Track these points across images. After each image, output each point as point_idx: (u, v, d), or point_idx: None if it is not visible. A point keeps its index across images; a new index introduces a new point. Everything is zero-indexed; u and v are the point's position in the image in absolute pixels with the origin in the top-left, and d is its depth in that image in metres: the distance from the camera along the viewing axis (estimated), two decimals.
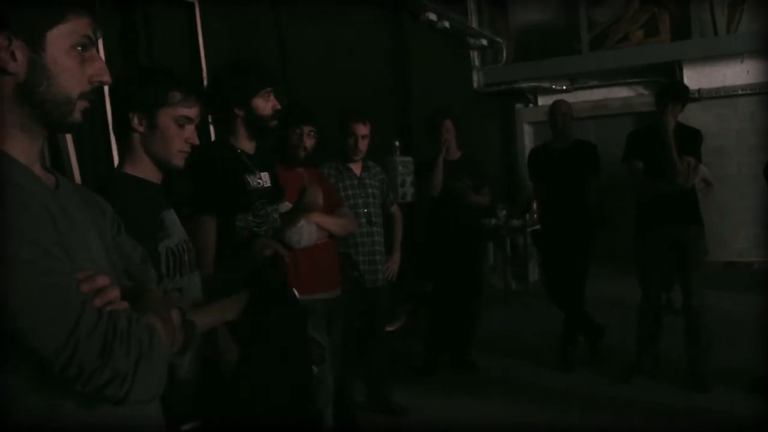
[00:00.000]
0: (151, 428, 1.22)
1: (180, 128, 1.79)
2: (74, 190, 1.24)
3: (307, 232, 3.03)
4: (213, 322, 1.76)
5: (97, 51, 1.17)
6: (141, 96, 1.77)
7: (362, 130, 3.58)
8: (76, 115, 1.13)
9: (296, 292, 2.55)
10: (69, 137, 3.01)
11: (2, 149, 1.07)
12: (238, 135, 2.44)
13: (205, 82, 3.55)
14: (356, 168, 3.66)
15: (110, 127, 1.92)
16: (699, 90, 7.51)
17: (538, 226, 5.49)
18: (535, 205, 6.58)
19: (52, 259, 1.00)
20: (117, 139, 1.86)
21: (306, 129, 3.07)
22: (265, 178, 2.47)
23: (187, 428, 1.83)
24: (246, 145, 2.45)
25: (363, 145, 3.59)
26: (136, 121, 1.77)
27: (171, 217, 1.82)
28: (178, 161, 1.83)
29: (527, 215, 6.92)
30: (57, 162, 3.01)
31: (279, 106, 2.45)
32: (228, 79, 2.42)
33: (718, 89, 7.68)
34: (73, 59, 1.11)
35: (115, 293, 1.07)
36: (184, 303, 1.42)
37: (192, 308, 1.76)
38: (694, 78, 7.50)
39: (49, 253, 0.99)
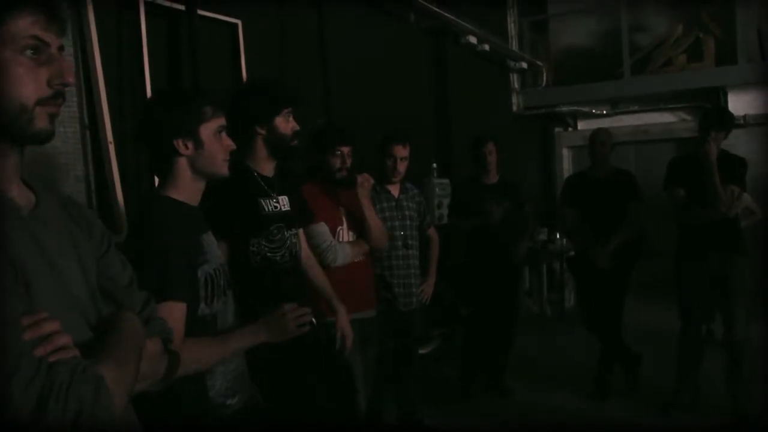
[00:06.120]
0: None
1: (219, 139, 1.80)
2: (60, 207, 1.18)
3: (341, 250, 3.03)
4: (245, 345, 1.77)
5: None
6: (181, 119, 1.74)
7: (401, 151, 3.58)
8: (40, 124, 1.05)
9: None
10: (112, 152, 3.07)
11: None
12: (256, 156, 2.41)
13: None
14: (394, 190, 3.66)
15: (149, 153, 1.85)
16: (745, 116, 7.34)
17: (572, 252, 5.42)
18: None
19: None
20: (160, 166, 1.81)
21: (345, 149, 3.09)
22: (283, 202, 2.44)
23: None
24: (265, 167, 2.43)
25: (402, 167, 3.59)
26: (182, 145, 1.74)
27: (209, 240, 1.81)
28: (225, 170, 1.83)
29: (563, 240, 6.83)
30: (100, 176, 3.07)
31: (298, 127, 2.43)
32: (250, 98, 2.40)
33: (765, 115, 7.49)
34: (21, 64, 1.02)
35: (64, 339, 1.00)
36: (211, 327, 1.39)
37: (225, 332, 1.77)
38: (739, 104, 7.32)
39: None
